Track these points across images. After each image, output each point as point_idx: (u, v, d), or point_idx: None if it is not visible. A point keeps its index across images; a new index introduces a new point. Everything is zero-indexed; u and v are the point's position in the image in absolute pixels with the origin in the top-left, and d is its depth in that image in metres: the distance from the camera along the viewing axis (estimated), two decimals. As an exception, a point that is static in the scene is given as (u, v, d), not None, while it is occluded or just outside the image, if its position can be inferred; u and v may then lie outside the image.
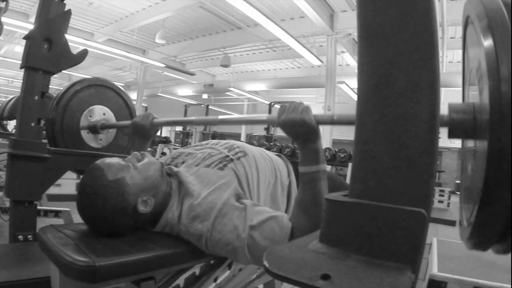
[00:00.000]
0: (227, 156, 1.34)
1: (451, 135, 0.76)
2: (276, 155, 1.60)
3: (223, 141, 1.50)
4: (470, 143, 0.81)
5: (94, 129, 2.13)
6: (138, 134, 1.70)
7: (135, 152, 1.29)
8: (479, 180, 0.61)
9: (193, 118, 1.52)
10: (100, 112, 2.21)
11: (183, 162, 1.37)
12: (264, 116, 1.27)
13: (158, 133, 17.74)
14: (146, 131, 1.67)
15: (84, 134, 2.15)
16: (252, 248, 1.10)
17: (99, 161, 1.18)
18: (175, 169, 1.31)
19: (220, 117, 1.39)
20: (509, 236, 0.61)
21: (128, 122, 1.96)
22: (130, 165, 1.19)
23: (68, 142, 2.08)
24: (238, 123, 1.41)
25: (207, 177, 1.24)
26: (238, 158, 1.35)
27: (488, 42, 0.59)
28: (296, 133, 1.15)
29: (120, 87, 2.40)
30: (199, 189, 1.21)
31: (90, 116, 2.16)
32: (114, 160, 1.20)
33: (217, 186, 1.20)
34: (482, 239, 0.65)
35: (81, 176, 1.20)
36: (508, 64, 0.55)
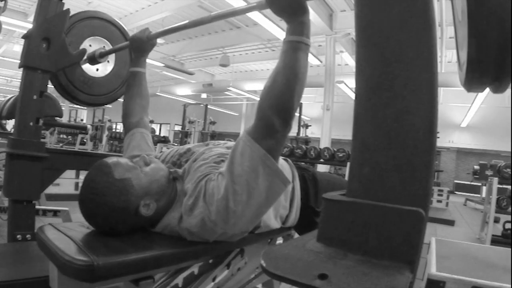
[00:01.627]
0: (226, 153, 1.34)
1: None
2: (283, 159, 1.58)
3: (222, 141, 1.51)
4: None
5: (93, 58, 2.10)
6: (136, 49, 1.76)
7: (143, 155, 1.29)
8: (467, 19, 0.59)
9: (186, 22, 1.53)
10: (100, 44, 2.22)
11: (186, 161, 1.37)
12: (253, 3, 1.27)
13: (157, 133, 17.76)
14: (143, 44, 1.72)
15: (85, 66, 2.15)
16: (242, 181, 1.09)
17: (107, 159, 1.19)
18: (180, 171, 1.31)
19: (213, 13, 1.40)
20: (505, 70, 0.60)
21: (125, 43, 1.97)
22: (137, 167, 1.20)
23: (69, 75, 2.08)
24: (231, 15, 1.41)
25: (200, 170, 1.24)
26: None
27: None
28: (283, 7, 1.12)
29: (117, 20, 2.41)
30: (191, 184, 1.21)
31: (90, 46, 2.15)
32: (123, 160, 1.20)
33: (204, 173, 1.21)
34: (477, 74, 0.63)
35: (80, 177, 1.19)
36: None
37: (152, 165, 1.25)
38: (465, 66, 0.63)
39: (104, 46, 2.22)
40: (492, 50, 0.57)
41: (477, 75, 0.63)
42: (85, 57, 2.09)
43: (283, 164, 1.52)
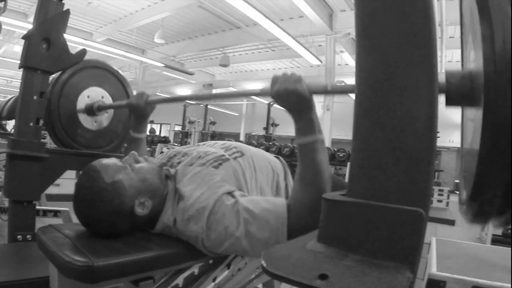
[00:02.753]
0: (223, 155, 1.33)
1: (448, 102, 0.74)
2: (275, 156, 1.59)
3: (220, 142, 1.50)
4: (470, 114, 0.79)
5: (91, 110, 2.11)
6: (135, 114, 1.74)
7: (133, 152, 1.27)
8: (476, 152, 0.60)
9: (187, 94, 1.53)
10: (99, 94, 2.19)
11: (179, 163, 1.36)
12: (257, 89, 1.27)
13: (157, 133, 17.76)
14: (142, 110, 1.70)
15: (81, 116, 2.13)
16: (251, 242, 1.10)
17: (95, 162, 1.17)
18: (172, 171, 1.30)
19: (214, 91, 1.39)
20: (508, 209, 0.60)
21: (123, 102, 1.97)
22: (127, 167, 1.18)
23: (65, 123, 2.06)
24: (232, 97, 1.40)
25: (200, 176, 1.22)
26: (235, 158, 1.34)
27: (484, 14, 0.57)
28: (290, 103, 1.13)
29: (117, 69, 2.39)
30: (192, 189, 1.19)
31: (88, 97, 2.14)
32: (111, 161, 1.18)
33: (210, 184, 1.18)
34: (480, 211, 0.64)
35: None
36: (504, 28, 0.54)
37: (142, 161, 1.24)
38: (466, 200, 0.65)
39: (102, 97, 2.21)
40: (500, 185, 0.58)
41: (481, 212, 0.64)
42: (83, 108, 2.11)
43: (275, 162, 1.52)
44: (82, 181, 1.13)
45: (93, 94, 2.17)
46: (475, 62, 0.65)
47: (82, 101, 2.12)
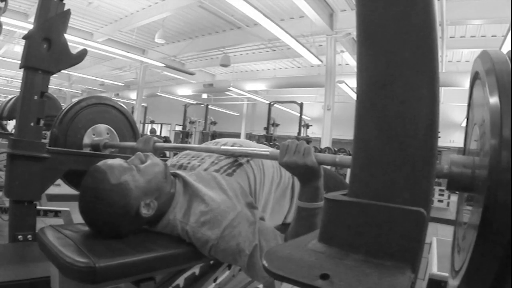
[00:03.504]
0: (236, 160, 1.35)
1: (449, 188, 0.77)
2: None
3: (230, 142, 1.49)
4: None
5: (97, 147, 2.15)
6: None
7: (138, 153, 1.28)
8: (471, 238, 0.63)
9: (195, 145, 1.53)
10: (104, 131, 2.22)
11: (188, 163, 1.36)
12: (267, 151, 1.28)
13: (158, 133, 17.77)
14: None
15: (86, 152, 2.16)
16: (252, 264, 1.13)
17: (101, 163, 1.17)
18: (182, 173, 1.30)
19: (223, 147, 1.39)
20: None
21: (131, 143, 1.99)
22: (133, 167, 1.18)
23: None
24: (240, 155, 1.41)
25: (218, 182, 1.24)
26: (248, 161, 1.36)
27: (493, 100, 0.61)
28: (298, 173, 1.17)
29: (124, 107, 2.41)
30: (212, 195, 1.20)
31: (93, 134, 2.17)
32: (117, 162, 1.18)
33: (231, 195, 1.21)
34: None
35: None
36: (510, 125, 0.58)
37: (148, 162, 1.24)
38: (461, 273, 0.67)
39: (108, 134, 2.24)
40: (489, 275, 0.61)
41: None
42: (89, 144, 2.15)
43: None
44: (87, 182, 1.13)
45: (98, 131, 2.21)
46: (481, 152, 0.70)
47: (89, 137, 2.17)
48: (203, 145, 1.49)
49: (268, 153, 1.28)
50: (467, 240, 0.71)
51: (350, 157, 1.10)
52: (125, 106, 2.41)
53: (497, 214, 0.58)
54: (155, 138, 1.70)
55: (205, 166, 1.33)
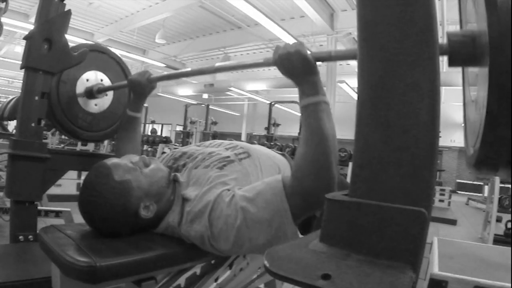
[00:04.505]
0: (228, 156, 1.32)
1: (451, 63, 0.72)
2: (280, 154, 1.59)
3: (226, 142, 1.49)
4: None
5: (91, 93, 2.10)
6: (135, 91, 1.74)
7: (143, 156, 1.28)
8: (482, 105, 0.59)
9: (188, 69, 1.53)
10: (98, 78, 2.19)
11: (184, 165, 1.35)
12: (260, 59, 1.26)
13: (159, 133, 17.77)
14: (142, 88, 1.70)
15: (81, 99, 2.11)
16: (254, 228, 1.08)
17: (106, 160, 1.18)
18: (181, 177, 1.29)
19: (217, 64, 1.38)
20: None
21: (124, 82, 1.97)
22: (137, 169, 1.19)
23: (65, 107, 2.05)
24: (234, 69, 1.39)
25: (204, 178, 1.23)
26: (240, 160, 1.33)
27: None
28: (293, 67, 1.11)
29: (115, 53, 2.37)
30: (195, 192, 1.20)
31: (87, 80, 2.13)
32: (122, 161, 1.19)
33: (212, 185, 1.18)
34: (489, 163, 0.62)
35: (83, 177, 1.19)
36: None
37: (152, 166, 1.25)
38: (476, 148, 0.63)
39: (101, 80, 2.20)
40: (507, 138, 0.57)
41: (490, 160, 0.62)
42: (82, 92, 2.10)
43: (282, 161, 1.52)
44: (91, 177, 1.14)
45: (92, 78, 2.16)
46: (478, 22, 0.65)
47: (82, 84, 2.11)
48: (197, 68, 1.49)
49: (262, 61, 1.26)
50: (478, 114, 0.66)
51: (345, 49, 1.09)
52: (114, 52, 2.37)
53: (504, 74, 0.53)
54: (149, 71, 1.73)
55: (196, 165, 1.31)
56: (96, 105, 2.20)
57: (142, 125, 12.36)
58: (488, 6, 0.55)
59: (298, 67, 1.10)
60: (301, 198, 1.08)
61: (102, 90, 2.11)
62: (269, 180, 1.14)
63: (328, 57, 1.11)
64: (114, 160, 1.18)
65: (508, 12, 0.52)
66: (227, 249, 1.14)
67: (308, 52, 1.11)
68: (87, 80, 2.13)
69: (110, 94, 2.26)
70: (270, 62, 1.18)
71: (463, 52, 0.70)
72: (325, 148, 1.06)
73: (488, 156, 0.61)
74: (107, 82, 2.22)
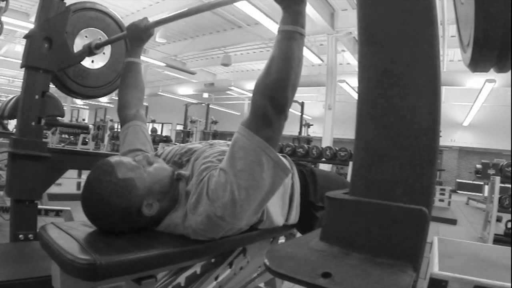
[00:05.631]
0: (225, 151, 1.34)
1: None
2: (282, 155, 1.59)
3: (223, 141, 1.50)
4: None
5: (89, 50, 2.09)
6: (132, 38, 1.75)
7: (146, 154, 1.28)
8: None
9: (185, 9, 1.54)
10: (96, 35, 2.20)
11: (188, 160, 1.36)
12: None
13: (159, 132, 17.77)
14: (140, 33, 1.72)
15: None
16: (253, 180, 1.10)
17: (109, 158, 1.18)
18: (186, 174, 1.29)
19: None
20: (509, 50, 0.59)
21: (122, 33, 1.98)
22: (140, 167, 1.19)
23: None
24: (229, 2, 1.38)
25: (203, 169, 1.24)
26: None
27: None
28: None
29: (113, 12, 2.40)
30: (194, 182, 1.21)
31: (86, 37, 2.14)
32: (125, 159, 1.19)
33: (206, 171, 1.20)
34: (483, 52, 0.63)
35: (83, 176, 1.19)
36: None
37: (155, 164, 1.25)
38: (470, 46, 0.63)
39: (100, 38, 2.20)
40: (498, 28, 0.57)
41: (484, 53, 0.63)
42: (81, 48, 2.08)
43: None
44: (94, 174, 1.14)
45: (91, 34, 2.17)
46: None
47: (80, 41, 2.11)
48: (193, 8, 1.50)
49: None
50: (470, 12, 0.66)
51: None
52: (112, 11, 2.40)
53: None
54: (147, 18, 1.75)
55: (197, 156, 1.32)
56: (92, 61, 2.23)
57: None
58: None
59: None
60: (263, 125, 1.11)
61: (100, 45, 2.10)
62: (236, 133, 1.17)
63: None
64: (117, 158, 1.18)
65: None
66: (240, 218, 1.14)
67: None
68: (86, 36, 2.15)
69: (108, 53, 2.29)
70: None
71: None
72: (286, 74, 1.09)
73: (484, 41, 0.61)
74: (105, 38, 2.23)
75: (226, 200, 1.10)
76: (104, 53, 2.25)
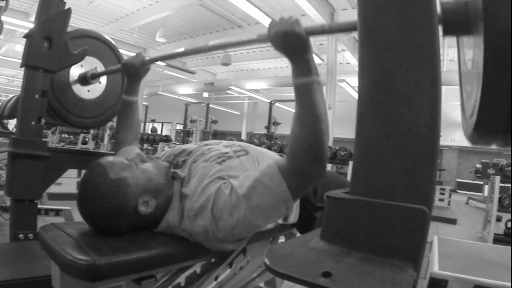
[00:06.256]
0: (226, 152, 1.34)
1: (446, 31, 0.71)
2: (279, 155, 1.59)
3: (225, 141, 1.50)
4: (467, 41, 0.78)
5: (84, 79, 2.08)
6: (129, 75, 1.72)
7: (139, 152, 1.28)
8: (479, 72, 0.58)
9: (182, 49, 1.52)
10: (92, 64, 2.18)
11: (184, 161, 1.36)
12: (254, 36, 1.25)
13: (159, 131, 17.77)
14: (136, 71, 1.69)
15: (75, 86, 2.11)
16: (259, 214, 1.11)
17: (101, 159, 1.18)
18: (181, 174, 1.29)
19: (211, 43, 1.37)
20: None
21: (117, 66, 1.96)
22: (133, 165, 1.18)
23: (58, 93, 2.04)
24: (227, 47, 1.37)
25: (204, 172, 1.23)
26: (238, 156, 1.35)
27: None
28: (288, 45, 1.10)
29: (109, 39, 2.36)
30: (195, 187, 1.20)
31: (81, 66, 2.12)
32: (117, 159, 1.19)
33: (211, 179, 1.19)
34: (486, 128, 0.60)
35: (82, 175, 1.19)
36: None
37: (149, 161, 1.25)
38: (473, 117, 0.62)
39: (96, 67, 2.19)
40: (505, 103, 0.56)
41: (488, 127, 0.61)
42: (76, 79, 2.08)
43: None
44: (87, 177, 1.14)
45: (86, 64, 2.15)
46: None
47: (76, 70, 2.10)
48: (192, 48, 1.48)
49: (255, 37, 1.25)
50: (474, 81, 0.65)
51: (339, 23, 1.06)
52: (108, 38, 2.36)
53: (500, 39, 0.53)
54: (143, 54, 1.71)
55: (195, 159, 1.32)
56: (88, 91, 2.19)
57: (142, 124, 12.31)
58: None
59: (293, 45, 1.09)
60: (296, 177, 1.11)
61: (96, 76, 2.09)
62: (262, 168, 1.17)
63: (321, 31, 1.10)
64: (109, 159, 1.18)
65: None
66: (233, 237, 1.16)
67: (302, 27, 1.09)
68: (82, 66, 2.12)
69: (103, 82, 2.26)
70: (265, 39, 1.16)
71: (456, 19, 0.68)
72: (318, 128, 1.08)
73: (486, 122, 0.60)
74: (101, 68, 2.21)
75: (229, 225, 1.11)
76: (100, 82, 2.23)
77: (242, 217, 1.10)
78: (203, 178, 1.21)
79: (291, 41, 1.08)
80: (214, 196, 1.14)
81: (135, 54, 1.72)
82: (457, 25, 0.69)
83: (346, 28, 1.05)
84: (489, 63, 0.54)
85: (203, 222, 1.13)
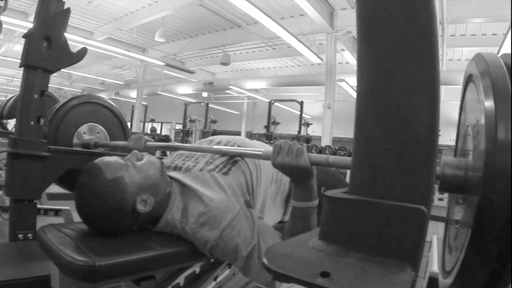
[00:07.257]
0: (231, 158, 1.35)
1: (441, 189, 0.78)
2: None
3: (224, 140, 1.48)
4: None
5: (87, 146, 2.14)
6: None
7: (135, 151, 1.28)
8: (464, 237, 0.64)
9: (187, 145, 1.54)
10: (95, 130, 2.22)
11: (183, 164, 1.36)
12: (260, 151, 1.28)
13: (158, 131, 17.78)
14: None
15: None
16: (248, 265, 1.15)
17: (97, 160, 1.17)
18: (178, 175, 1.30)
19: (215, 147, 1.39)
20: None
21: (122, 142, 2.00)
22: (129, 164, 1.18)
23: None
24: (232, 154, 1.39)
25: (216, 181, 1.24)
26: (243, 158, 1.36)
27: (488, 103, 0.64)
28: (291, 174, 1.18)
29: (115, 106, 2.40)
30: (209, 194, 1.20)
31: (84, 133, 2.16)
32: (113, 159, 1.19)
33: (229, 194, 1.21)
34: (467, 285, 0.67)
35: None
36: (507, 126, 0.60)
37: (144, 159, 1.25)
38: (454, 273, 0.67)
39: (98, 132, 2.24)
40: (489, 264, 0.62)
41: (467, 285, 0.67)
42: (79, 145, 2.14)
43: None
44: (83, 178, 1.14)
45: (89, 130, 2.20)
46: (474, 152, 0.72)
47: (79, 136, 2.16)
48: (196, 145, 1.49)
49: (260, 153, 1.27)
50: (460, 240, 0.71)
51: (343, 157, 1.11)
52: (114, 105, 2.39)
53: (493, 215, 0.59)
54: (146, 137, 1.72)
55: (200, 167, 1.32)
56: None
57: (142, 123, 12.30)
58: (488, 139, 0.62)
59: (297, 174, 1.16)
60: None
61: (98, 145, 2.15)
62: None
63: (326, 163, 1.14)
64: (105, 159, 1.18)
65: (507, 150, 0.59)
66: (222, 259, 1.23)
67: (307, 159, 1.15)
68: (84, 133, 2.18)
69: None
70: (270, 161, 1.20)
71: (454, 183, 0.76)
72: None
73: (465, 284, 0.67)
74: (104, 135, 2.28)
75: (230, 251, 1.15)
76: (103, 149, 2.26)
77: (239, 256, 1.15)
78: (218, 189, 1.23)
79: (295, 173, 1.15)
80: (232, 219, 1.16)
81: (137, 136, 1.73)
82: (454, 188, 0.77)
83: (346, 165, 1.10)
84: (475, 237, 0.63)
85: (208, 234, 1.14)
